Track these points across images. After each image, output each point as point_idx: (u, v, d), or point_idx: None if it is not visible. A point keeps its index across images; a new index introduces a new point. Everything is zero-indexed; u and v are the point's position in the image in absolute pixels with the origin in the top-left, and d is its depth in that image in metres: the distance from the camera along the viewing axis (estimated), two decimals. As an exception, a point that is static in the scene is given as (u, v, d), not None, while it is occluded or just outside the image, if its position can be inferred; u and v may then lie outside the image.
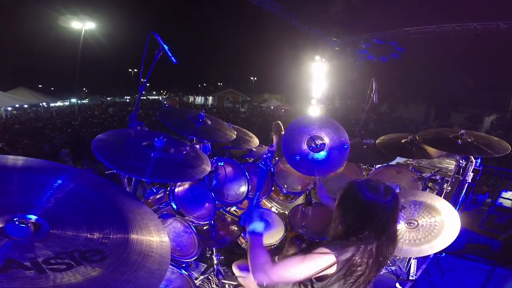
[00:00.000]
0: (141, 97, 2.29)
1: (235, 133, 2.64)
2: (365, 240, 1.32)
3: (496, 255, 3.26)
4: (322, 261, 1.26)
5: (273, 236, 2.57)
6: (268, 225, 2.68)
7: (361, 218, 1.35)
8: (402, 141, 3.08)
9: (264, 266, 1.31)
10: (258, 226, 1.53)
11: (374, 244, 1.33)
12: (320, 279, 1.36)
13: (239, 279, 1.97)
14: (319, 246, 1.34)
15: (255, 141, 3.14)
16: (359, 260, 1.31)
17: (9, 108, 18.98)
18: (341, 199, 1.44)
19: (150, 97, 53.51)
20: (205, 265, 2.60)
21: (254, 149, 3.43)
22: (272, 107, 32.44)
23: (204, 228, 2.38)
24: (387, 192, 1.33)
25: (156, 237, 1.05)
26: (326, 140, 2.72)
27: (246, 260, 1.67)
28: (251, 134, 3.25)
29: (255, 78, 50.47)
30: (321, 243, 1.36)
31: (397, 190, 2.82)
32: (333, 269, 1.29)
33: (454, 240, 1.94)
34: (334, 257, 1.26)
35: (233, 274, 2.06)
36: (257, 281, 1.37)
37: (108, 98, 45.50)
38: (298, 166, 2.69)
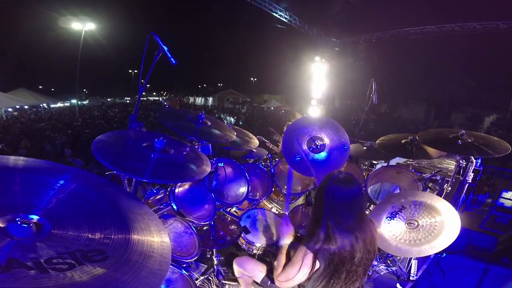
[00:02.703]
0: (141, 98, 2.29)
1: (235, 133, 2.65)
2: (336, 231, 1.40)
3: (497, 254, 3.26)
4: (306, 263, 1.40)
5: (273, 237, 2.57)
6: (267, 226, 2.68)
7: (329, 210, 1.43)
8: (402, 141, 3.09)
9: (277, 275, 1.58)
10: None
11: (346, 235, 1.40)
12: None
13: (238, 277, 1.97)
14: (301, 246, 1.46)
15: (255, 141, 3.14)
16: (336, 251, 1.38)
17: (10, 109, 19.00)
18: (315, 195, 1.55)
19: (150, 98, 53.53)
20: (206, 266, 2.60)
21: (254, 150, 3.43)
22: (272, 108, 32.44)
23: (204, 228, 2.39)
24: (350, 183, 1.42)
25: (157, 237, 1.05)
26: (326, 141, 2.72)
27: (247, 256, 1.97)
28: (251, 134, 3.25)
29: (255, 79, 50.51)
30: (302, 243, 1.48)
31: (397, 191, 2.82)
32: (317, 264, 1.41)
33: (455, 240, 1.94)
34: (306, 249, 1.41)
35: (233, 273, 2.06)
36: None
37: (109, 99, 45.52)
38: (298, 167, 2.69)
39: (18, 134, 11.67)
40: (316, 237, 1.42)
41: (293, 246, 1.97)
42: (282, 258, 1.66)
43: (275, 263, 1.67)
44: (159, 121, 2.31)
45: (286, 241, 1.77)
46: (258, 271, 1.82)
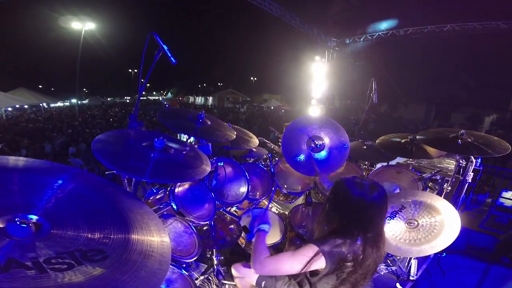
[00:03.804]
0: (141, 97, 2.29)
1: (235, 133, 2.65)
2: (352, 236, 1.36)
3: (497, 254, 3.26)
4: (307, 253, 1.35)
5: (273, 236, 2.57)
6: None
7: (348, 214, 1.39)
8: (402, 141, 3.08)
9: (262, 259, 1.47)
10: (265, 226, 1.77)
11: (361, 241, 1.36)
12: (312, 274, 1.46)
13: (236, 280, 1.97)
14: (309, 244, 1.40)
15: (255, 141, 3.14)
16: (348, 255, 1.34)
17: (9, 109, 18.99)
18: (330, 197, 1.49)
19: (150, 98, 53.56)
20: (205, 266, 2.60)
21: (254, 150, 3.43)
22: (272, 108, 32.44)
23: (204, 228, 2.39)
24: (373, 189, 1.37)
25: (157, 237, 1.05)
26: (326, 140, 2.72)
27: (245, 262, 1.93)
28: (251, 134, 3.25)
29: (255, 79, 50.57)
30: (312, 242, 1.41)
31: (397, 190, 2.82)
32: (322, 264, 1.35)
33: (455, 240, 1.94)
34: (317, 247, 1.34)
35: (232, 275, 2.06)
36: (255, 272, 1.52)
37: (108, 99, 45.54)
38: (298, 166, 2.69)
39: (18, 134, 11.67)
40: (332, 240, 1.37)
41: (293, 243, 1.97)
42: (263, 247, 1.61)
43: (254, 250, 1.59)
44: (158, 120, 2.31)
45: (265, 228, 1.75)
46: (253, 275, 1.82)
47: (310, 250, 1.36)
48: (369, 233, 1.37)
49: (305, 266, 1.35)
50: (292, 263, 1.38)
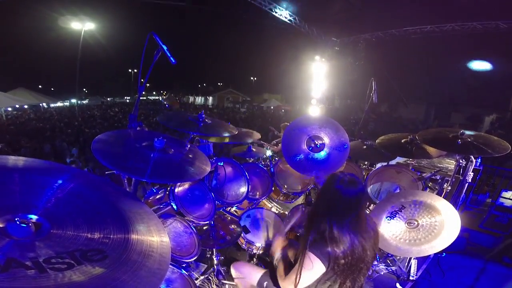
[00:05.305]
0: (141, 98, 2.29)
1: (236, 129, 2.65)
2: (326, 228, 1.41)
3: (497, 254, 3.26)
4: (315, 270, 1.41)
5: (273, 236, 2.57)
6: (267, 226, 2.68)
7: (322, 206, 1.49)
8: (402, 141, 3.08)
9: (282, 281, 1.57)
10: None
11: (339, 231, 1.41)
12: None
13: (236, 280, 1.97)
14: (305, 251, 1.44)
15: (256, 135, 3.16)
16: (337, 252, 1.39)
17: (9, 109, 18.98)
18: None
19: (150, 98, 53.57)
20: (205, 265, 2.60)
21: (253, 150, 3.44)
22: (272, 107, 32.44)
23: (204, 228, 2.39)
24: (351, 183, 1.43)
25: (157, 237, 1.05)
26: (326, 140, 2.72)
27: (244, 261, 1.84)
28: (251, 130, 3.27)
29: (255, 78, 50.48)
30: (307, 248, 1.44)
31: (397, 190, 2.82)
32: (323, 268, 1.42)
33: (455, 240, 1.94)
34: (321, 262, 1.40)
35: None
36: None
37: (108, 99, 45.49)
38: (298, 166, 2.69)
39: (18, 133, 11.67)
40: (319, 240, 1.42)
41: (292, 246, 1.96)
42: (281, 265, 1.67)
43: (277, 271, 1.66)
44: (159, 122, 2.32)
45: (278, 252, 1.79)
46: (254, 275, 1.83)
47: (307, 259, 1.41)
48: (358, 226, 1.42)
49: (314, 274, 1.41)
50: (304, 278, 1.43)
